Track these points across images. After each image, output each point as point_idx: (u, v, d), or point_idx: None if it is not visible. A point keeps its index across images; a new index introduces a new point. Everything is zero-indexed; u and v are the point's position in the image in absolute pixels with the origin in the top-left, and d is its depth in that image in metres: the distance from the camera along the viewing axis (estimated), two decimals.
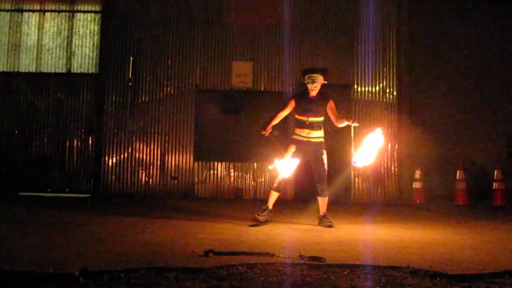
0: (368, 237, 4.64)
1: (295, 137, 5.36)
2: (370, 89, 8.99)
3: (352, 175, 8.78)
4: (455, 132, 8.96)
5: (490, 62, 9.13)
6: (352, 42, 9.06)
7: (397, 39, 9.06)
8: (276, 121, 5.35)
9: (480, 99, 9.10)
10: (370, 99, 8.97)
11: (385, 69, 9.02)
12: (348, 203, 8.37)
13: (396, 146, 8.88)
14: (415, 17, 9.18)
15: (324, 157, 5.29)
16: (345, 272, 2.98)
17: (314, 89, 5.25)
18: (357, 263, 3.23)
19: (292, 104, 5.36)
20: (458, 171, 8.26)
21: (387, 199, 8.70)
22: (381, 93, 9.00)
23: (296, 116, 5.36)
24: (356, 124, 5.19)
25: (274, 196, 5.43)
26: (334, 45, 9.07)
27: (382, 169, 8.83)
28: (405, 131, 8.89)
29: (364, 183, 8.83)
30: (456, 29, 9.17)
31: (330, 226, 5.13)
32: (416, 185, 8.38)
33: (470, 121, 9.03)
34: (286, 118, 5.52)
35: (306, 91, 5.34)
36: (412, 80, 9.09)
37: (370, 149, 5.00)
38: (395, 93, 8.98)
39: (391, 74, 9.03)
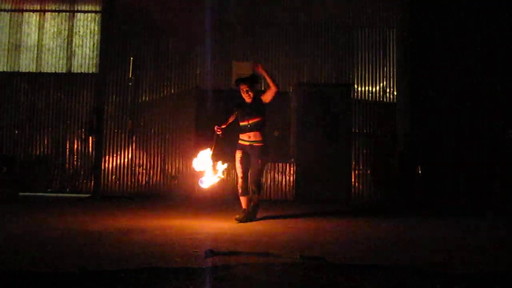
0: (369, 236, 4.64)
1: (240, 142, 5.71)
2: (370, 89, 8.98)
3: (353, 174, 8.77)
4: (457, 133, 8.91)
5: (498, 62, 9.02)
6: (352, 41, 9.05)
7: (398, 39, 9.05)
8: (225, 125, 5.65)
9: (486, 99, 9.03)
10: (370, 99, 8.97)
11: (385, 69, 9.02)
12: (348, 203, 8.37)
13: (396, 145, 8.87)
14: (417, 16, 9.15)
15: (260, 162, 5.61)
16: (345, 273, 2.98)
17: (248, 97, 5.65)
18: (358, 262, 3.23)
19: (235, 114, 5.74)
20: (461, 172, 8.33)
21: (387, 198, 8.68)
22: (381, 93, 8.99)
23: (240, 123, 5.70)
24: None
25: (242, 200, 5.65)
26: (334, 44, 9.05)
27: (382, 169, 8.81)
28: (406, 131, 8.88)
29: (365, 183, 8.82)
30: (462, 28, 9.10)
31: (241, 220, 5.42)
32: (417, 184, 8.35)
33: (475, 121, 8.95)
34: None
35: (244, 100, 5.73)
36: (413, 80, 9.07)
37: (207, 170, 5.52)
38: (395, 93, 8.97)
39: (391, 74, 9.02)
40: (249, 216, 5.51)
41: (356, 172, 8.80)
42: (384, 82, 8.98)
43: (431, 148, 8.92)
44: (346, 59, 9.01)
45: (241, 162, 5.62)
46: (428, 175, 8.62)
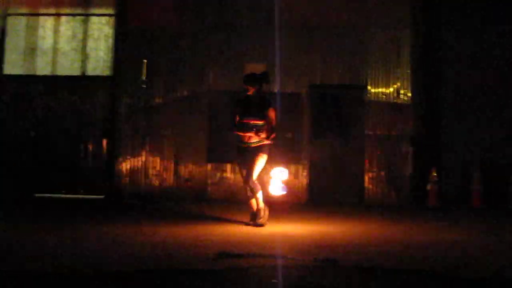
0: (381, 238, 4.60)
1: (238, 144, 5.51)
2: (383, 90, 8.91)
3: (366, 177, 8.71)
4: (473, 134, 8.81)
5: None
6: (365, 42, 8.98)
7: (412, 38, 8.97)
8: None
9: (503, 99, 8.91)
10: (384, 100, 8.90)
11: (399, 70, 8.94)
12: (361, 205, 8.31)
13: (410, 148, 8.78)
14: (431, 15, 9.07)
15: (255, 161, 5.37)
16: (359, 275, 2.96)
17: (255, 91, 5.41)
18: (371, 265, 3.20)
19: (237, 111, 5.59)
20: (474, 173, 8.19)
21: (401, 201, 8.61)
22: (395, 94, 8.91)
23: (241, 120, 5.47)
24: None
25: (250, 203, 5.44)
26: (347, 45, 9.00)
27: (396, 171, 8.74)
28: (420, 132, 8.80)
29: (378, 185, 8.75)
30: (478, 27, 9.00)
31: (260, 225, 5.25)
32: (430, 187, 8.28)
33: (491, 121, 8.84)
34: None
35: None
36: (428, 80, 8.99)
37: (279, 181, 5.51)
38: (409, 94, 8.89)
39: (405, 75, 8.94)
40: (257, 220, 5.31)
41: (369, 174, 8.73)
42: (398, 83, 8.90)
43: (446, 150, 8.84)
44: (359, 60, 8.94)
45: (240, 166, 5.51)
46: (443, 177, 8.54)
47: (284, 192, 5.61)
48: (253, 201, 5.36)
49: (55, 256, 3.41)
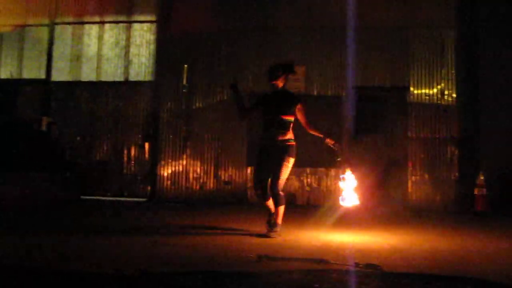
0: (426, 245, 4.46)
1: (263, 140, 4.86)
2: (427, 91, 8.67)
3: (409, 180, 8.49)
4: None
5: None
6: (407, 42, 8.78)
7: (457, 38, 8.70)
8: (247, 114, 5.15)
9: None
10: (427, 101, 8.66)
11: (443, 70, 8.68)
12: (405, 210, 8.10)
13: (456, 151, 8.50)
14: (477, 14, 8.78)
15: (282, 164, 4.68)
16: (403, 282, 2.87)
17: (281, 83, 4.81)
18: (415, 272, 3.10)
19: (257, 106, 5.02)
20: None
21: (446, 205, 8.34)
22: (439, 95, 8.66)
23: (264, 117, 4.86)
24: None
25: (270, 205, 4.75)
26: (389, 46, 8.82)
27: (441, 175, 8.48)
28: (466, 135, 8.51)
29: (422, 189, 8.52)
30: None
31: (268, 236, 4.56)
32: (478, 191, 7.97)
33: None
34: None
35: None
36: (473, 81, 8.69)
37: (351, 189, 4.73)
38: (454, 95, 8.61)
39: (450, 75, 8.67)
40: (271, 228, 4.66)
41: (413, 178, 8.52)
42: (442, 84, 8.65)
43: (495, 154, 8.48)
44: (401, 61, 8.76)
45: (261, 165, 4.74)
46: (492, 182, 8.18)
47: (357, 203, 4.80)
48: (270, 203, 4.69)
49: (96, 257, 3.49)
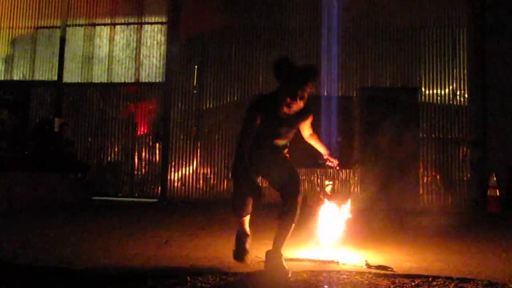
0: (438, 246, 4.41)
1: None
2: (439, 91, 8.60)
3: (421, 181, 8.42)
4: None
5: None
6: (418, 42, 8.72)
7: (468, 39, 8.61)
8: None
9: None
10: (439, 102, 8.58)
11: (455, 71, 8.60)
12: (416, 211, 8.03)
13: (469, 151, 8.41)
14: (489, 13, 8.68)
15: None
16: (413, 283, 2.85)
17: (296, 106, 3.32)
18: (426, 273, 3.07)
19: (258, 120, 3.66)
20: None
21: (458, 206, 8.26)
22: (451, 96, 8.58)
23: (266, 134, 3.62)
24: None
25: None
26: (400, 46, 8.76)
27: (453, 176, 8.39)
28: (479, 135, 8.41)
29: (434, 190, 8.44)
30: None
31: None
32: (491, 192, 7.89)
33: None
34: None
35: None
36: (486, 81, 8.59)
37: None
38: (466, 95, 8.53)
39: (461, 76, 8.59)
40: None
41: (425, 179, 8.45)
42: (454, 85, 8.57)
43: (506, 154, 8.38)
44: (413, 61, 8.70)
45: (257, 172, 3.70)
46: (500, 182, 8.08)
47: (349, 216, 4.16)
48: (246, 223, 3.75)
49: (105, 257, 3.50)
